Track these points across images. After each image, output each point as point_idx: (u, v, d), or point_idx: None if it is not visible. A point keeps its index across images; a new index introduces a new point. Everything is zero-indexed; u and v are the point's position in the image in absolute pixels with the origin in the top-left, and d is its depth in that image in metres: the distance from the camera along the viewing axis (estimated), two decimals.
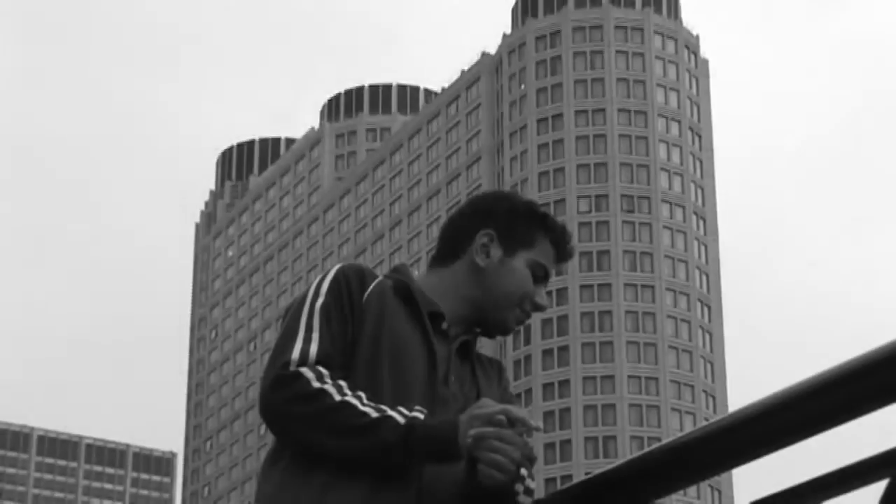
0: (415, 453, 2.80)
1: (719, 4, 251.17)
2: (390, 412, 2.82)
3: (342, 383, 2.86)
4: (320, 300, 2.95)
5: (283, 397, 2.85)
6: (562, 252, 3.18)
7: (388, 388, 2.91)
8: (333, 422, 2.81)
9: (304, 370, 2.86)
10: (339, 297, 2.95)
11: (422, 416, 2.82)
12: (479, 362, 3.11)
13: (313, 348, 2.88)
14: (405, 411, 2.84)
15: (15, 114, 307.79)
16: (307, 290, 2.99)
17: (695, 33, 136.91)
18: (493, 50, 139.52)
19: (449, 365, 3.01)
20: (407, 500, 2.85)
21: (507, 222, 3.13)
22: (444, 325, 3.03)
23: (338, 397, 2.82)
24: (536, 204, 3.21)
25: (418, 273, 3.17)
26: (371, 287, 2.99)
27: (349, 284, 2.97)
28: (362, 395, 2.85)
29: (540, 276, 3.14)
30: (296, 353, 2.87)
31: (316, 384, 2.84)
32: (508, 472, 2.78)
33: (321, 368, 2.86)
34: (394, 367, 2.92)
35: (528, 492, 2.93)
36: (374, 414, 2.81)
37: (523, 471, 2.88)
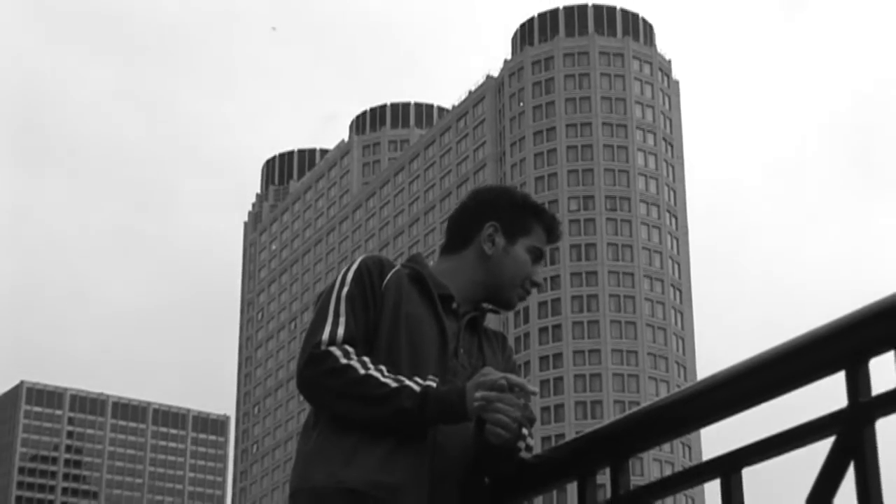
0: (429, 416, 2.82)
1: (688, 34, 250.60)
2: (407, 382, 2.84)
3: (366, 359, 2.87)
4: (346, 289, 2.97)
5: (316, 373, 2.87)
6: (552, 235, 3.18)
7: (405, 361, 2.92)
8: (359, 392, 2.83)
9: (333, 349, 2.88)
10: (361, 286, 2.97)
11: (434, 385, 2.85)
12: (485, 336, 3.12)
13: (340, 330, 2.90)
14: (420, 381, 2.86)
15: (100, 124, 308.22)
16: (335, 280, 3.00)
17: (667, 58, 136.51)
18: (496, 73, 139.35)
19: (458, 339, 3.02)
20: (423, 457, 2.87)
21: (508, 214, 3.14)
22: (454, 305, 3.03)
23: (362, 371, 2.84)
24: (530, 196, 3.23)
25: (433, 262, 3.17)
26: (389, 275, 3.01)
27: (370, 274, 2.99)
28: (383, 368, 2.87)
29: (536, 257, 3.15)
30: (325, 335, 2.89)
31: (343, 361, 2.86)
32: (511, 430, 2.80)
33: (347, 347, 2.88)
34: (410, 343, 2.93)
35: (528, 448, 2.96)
36: (394, 384, 2.83)
37: (524, 430, 2.90)
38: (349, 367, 2.84)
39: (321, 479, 2.84)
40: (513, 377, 2.81)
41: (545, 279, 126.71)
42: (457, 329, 3.02)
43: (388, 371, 2.86)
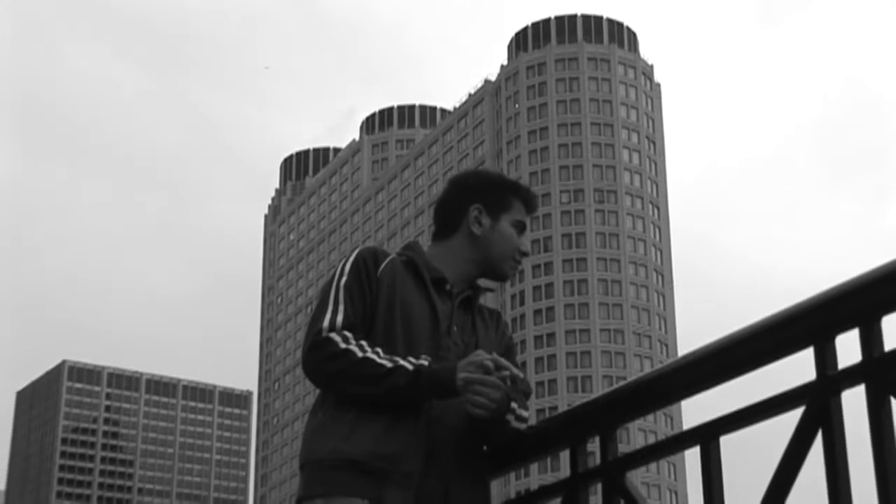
0: (422, 392, 2.82)
1: (669, 41, 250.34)
2: (402, 362, 2.83)
3: (363, 343, 2.87)
4: (344, 279, 2.95)
5: (318, 357, 2.87)
6: (530, 206, 3.15)
7: (400, 342, 2.90)
8: (358, 374, 2.83)
9: (333, 335, 2.87)
10: (358, 275, 2.95)
11: (427, 363, 2.84)
12: (480, 314, 3.09)
13: (339, 318, 2.89)
14: (413, 360, 2.85)
15: (131, 126, 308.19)
16: (335, 271, 2.98)
17: (650, 63, 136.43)
18: (493, 77, 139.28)
19: (451, 318, 2.99)
20: (419, 428, 2.86)
21: (489, 195, 3.10)
22: (448, 287, 3.00)
23: (360, 354, 2.84)
24: (505, 175, 3.21)
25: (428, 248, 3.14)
26: (384, 263, 2.99)
27: (366, 264, 2.97)
28: (379, 350, 2.86)
29: (520, 229, 3.11)
30: (326, 322, 2.89)
31: (343, 345, 2.85)
32: (487, 408, 2.79)
33: (346, 333, 2.87)
34: (404, 325, 2.92)
35: (521, 419, 2.93)
36: (389, 364, 2.83)
37: (514, 403, 2.88)
38: (348, 350, 2.84)
39: (325, 453, 2.85)
40: (500, 360, 2.80)
41: (539, 265, 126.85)
42: (450, 309, 2.99)
43: (384, 353, 2.85)
